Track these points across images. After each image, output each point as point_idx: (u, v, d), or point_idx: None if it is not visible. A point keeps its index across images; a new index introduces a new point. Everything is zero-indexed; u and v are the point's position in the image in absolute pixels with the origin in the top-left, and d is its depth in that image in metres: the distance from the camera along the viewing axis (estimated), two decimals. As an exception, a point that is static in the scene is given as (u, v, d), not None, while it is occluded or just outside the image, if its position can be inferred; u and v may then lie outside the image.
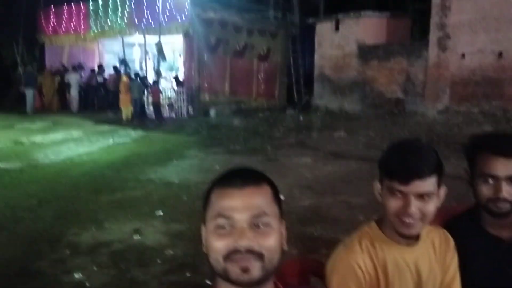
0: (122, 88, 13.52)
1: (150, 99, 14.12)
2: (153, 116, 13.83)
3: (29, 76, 15.79)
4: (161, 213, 4.93)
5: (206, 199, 1.00)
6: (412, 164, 1.16)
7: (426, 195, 1.17)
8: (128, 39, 16.47)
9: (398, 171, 1.18)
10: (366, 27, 14.59)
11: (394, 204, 1.19)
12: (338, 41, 15.28)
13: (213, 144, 9.72)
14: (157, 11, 13.77)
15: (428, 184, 1.17)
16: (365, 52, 14.53)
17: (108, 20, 16.21)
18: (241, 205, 0.93)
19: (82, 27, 17.30)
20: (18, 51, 19.68)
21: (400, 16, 15.35)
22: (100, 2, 16.48)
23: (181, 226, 4.54)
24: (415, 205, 1.17)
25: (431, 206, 1.19)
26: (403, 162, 1.17)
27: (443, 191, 1.24)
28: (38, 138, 9.95)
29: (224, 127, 11.90)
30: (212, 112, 14.38)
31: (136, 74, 14.45)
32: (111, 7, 16.09)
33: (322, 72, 16.02)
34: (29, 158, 7.94)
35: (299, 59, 18.44)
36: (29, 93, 15.15)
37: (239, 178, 0.97)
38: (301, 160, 7.93)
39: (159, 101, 13.76)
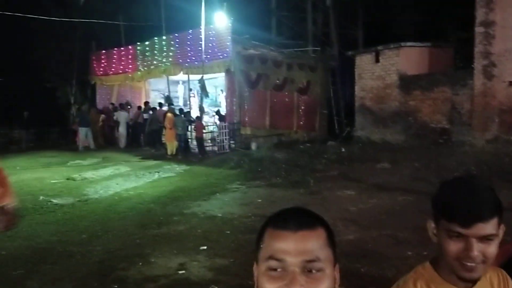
0: (167, 124, 14.00)
1: (194, 134, 14.51)
2: (197, 150, 14.15)
3: (83, 116, 16.70)
4: (205, 248, 4.98)
5: (259, 238, 0.98)
6: (473, 206, 1.10)
7: (488, 237, 1.10)
8: (173, 77, 17.17)
9: (458, 214, 1.11)
10: (407, 58, 14.50)
11: (454, 247, 1.12)
12: (379, 72, 15.23)
13: (255, 177, 9.79)
14: (200, 50, 14.33)
15: (490, 226, 1.10)
16: (407, 83, 14.37)
17: (154, 60, 17.02)
18: (294, 249, 0.91)
19: (130, 68, 18.25)
20: (72, 91, 20.94)
21: (442, 46, 15.19)
22: (147, 44, 17.37)
23: (225, 261, 4.56)
24: (477, 248, 1.10)
25: (493, 248, 1.12)
26: (463, 204, 1.10)
27: (502, 230, 1.17)
28: (89, 174, 10.40)
29: (265, 160, 11.97)
30: (253, 146, 14.54)
31: (180, 110, 14.95)
32: (157, 48, 16.92)
33: (363, 103, 15.92)
34: (80, 193, 8.30)
35: (339, 91, 18.49)
36: (82, 131, 15.93)
37: (293, 220, 0.94)
38: (344, 193, 7.82)
39: (202, 136, 14.10)
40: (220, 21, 14.53)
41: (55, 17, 18.97)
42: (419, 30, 17.86)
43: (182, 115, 14.45)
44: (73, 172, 10.87)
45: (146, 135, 16.10)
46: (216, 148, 14.65)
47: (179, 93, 19.02)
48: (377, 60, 15.25)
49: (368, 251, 4.75)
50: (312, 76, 17.57)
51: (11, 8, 18.00)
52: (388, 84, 14.96)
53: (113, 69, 19.24)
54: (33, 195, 8.20)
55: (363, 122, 15.92)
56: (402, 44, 14.52)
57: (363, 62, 15.89)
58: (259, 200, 7.60)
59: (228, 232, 5.62)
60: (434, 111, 13.66)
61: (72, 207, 7.22)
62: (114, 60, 19.24)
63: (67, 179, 9.92)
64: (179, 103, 18.28)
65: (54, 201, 7.63)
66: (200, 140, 14.04)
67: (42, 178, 10.16)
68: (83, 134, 15.92)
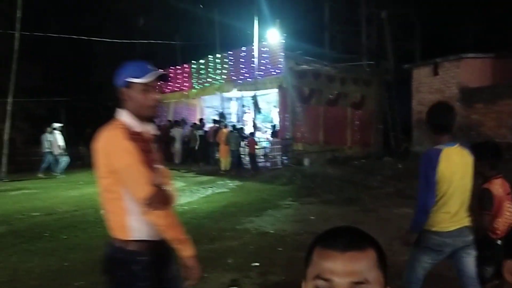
0: (221, 139, 14.23)
1: (247, 150, 14.63)
2: (249, 166, 14.24)
3: None
4: (257, 264, 4.95)
5: (308, 255, 0.97)
6: None
7: None
8: (226, 94, 17.50)
9: None
10: (468, 70, 13.86)
11: None
12: (438, 85, 14.66)
13: (308, 194, 9.67)
14: (253, 67, 14.52)
15: None
16: (469, 95, 13.70)
17: (208, 78, 17.47)
18: (342, 269, 0.89)
19: (186, 86, 18.85)
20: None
21: (506, 56, 14.36)
22: (202, 62, 17.90)
23: (277, 278, 4.50)
24: None
25: None
26: None
27: None
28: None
29: (318, 176, 11.81)
30: (306, 161, 14.41)
31: (234, 126, 15.16)
32: (211, 66, 17.37)
33: (420, 118, 15.33)
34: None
35: (395, 105, 17.97)
36: None
37: (342, 239, 0.93)
38: (401, 211, 7.51)
39: (254, 152, 14.19)
40: (273, 38, 14.69)
41: (116, 39, 20.06)
42: (480, 40, 17.07)
43: (235, 131, 14.65)
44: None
45: (197, 151, 16.48)
46: (268, 164, 14.67)
47: (232, 109, 19.34)
48: (436, 73, 14.71)
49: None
50: (367, 91, 17.22)
51: (77, 33, 19.29)
52: (447, 97, 14.32)
53: (169, 87, 19.96)
54: (94, 209, 8.56)
55: (420, 137, 15.33)
56: (463, 55, 13.91)
57: (421, 75, 15.38)
58: (312, 217, 7.47)
59: (280, 249, 5.56)
60: (499, 125, 12.90)
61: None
62: (170, 79, 19.96)
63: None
64: (232, 119, 18.56)
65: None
66: (252, 156, 14.12)
67: (102, 192, 10.61)
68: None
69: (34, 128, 25.51)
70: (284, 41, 14.36)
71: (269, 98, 17.61)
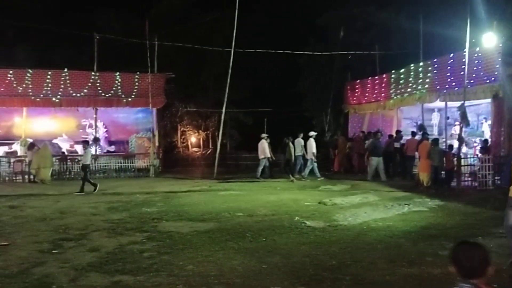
0: (422, 153, 13.22)
1: (449, 165, 13.23)
2: (452, 184, 12.82)
3: (376, 145, 15.67)
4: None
5: None
6: None
7: None
8: (428, 104, 16.25)
9: None
10: None
11: None
12: None
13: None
14: (462, 75, 13.06)
15: None
16: None
17: (408, 88, 16.51)
18: None
19: (383, 96, 18.25)
20: (326, 120, 22.41)
21: None
22: (402, 71, 17.06)
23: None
24: None
25: None
26: None
27: None
28: (339, 200, 10.70)
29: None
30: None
31: (436, 140, 13.88)
32: (412, 75, 16.39)
33: None
34: (330, 218, 8.57)
35: None
36: (374, 161, 15.24)
37: None
38: None
39: (453, 169, 12.74)
40: (488, 42, 12.95)
41: (316, 52, 20.82)
42: None
43: (439, 145, 13.41)
44: (324, 196, 11.41)
45: (394, 164, 15.65)
46: (476, 184, 12.94)
47: (433, 121, 17.81)
48: None
49: None
50: None
51: (283, 47, 20.74)
52: None
53: (366, 98, 19.66)
54: (289, 215, 8.95)
55: None
56: None
57: None
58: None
59: (495, 286, 4.72)
60: None
61: (322, 231, 7.49)
62: (367, 89, 19.65)
63: (319, 203, 10.46)
64: (433, 132, 17.11)
65: (307, 222, 8.10)
66: (450, 173, 12.70)
67: (297, 199, 11.02)
68: (374, 164, 15.26)
69: (242, 136, 28.60)
70: (502, 45, 12.52)
71: (479, 109, 15.62)
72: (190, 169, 22.14)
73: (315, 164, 16.25)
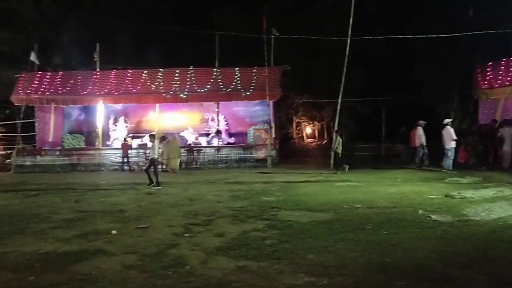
0: None
1: None
2: None
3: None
4: None
5: None
6: None
7: None
8: None
9: None
10: None
11: None
12: None
13: None
14: None
15: None
16: None
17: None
18: None
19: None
20: (452, 107, 20.68)
21: None
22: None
23: None
24: None
25: None
26: None
27: None
28: (469, 193, 9.85)
29: None
30: None
31: None
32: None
33: None
34: (459, 213, 7.95)
35: None
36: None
37: None
38: None
39: None
40: None
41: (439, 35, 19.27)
42: None
43: None
44: (452, 189, 10.60)
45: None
46: None
47: None
48: None
49: None
50: None
51: (399, 33, 19.63)
52: None
53: (499, 81, 17.69)
54: (412, 208, 8.51)
55: None
56: None
57: None
58: None
59: None
60: None
61: (451, 226, 6.99)
62: (500, 72, 17.67)
63: (446, 196, 9.76)
64: None
65: (432, 216, 7.63)
66: None
67: (420, 192, 10.42)
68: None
69: (358, 126, 27.87)
70: None
71: None
72: (306, 160, 22.31)
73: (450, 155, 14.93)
